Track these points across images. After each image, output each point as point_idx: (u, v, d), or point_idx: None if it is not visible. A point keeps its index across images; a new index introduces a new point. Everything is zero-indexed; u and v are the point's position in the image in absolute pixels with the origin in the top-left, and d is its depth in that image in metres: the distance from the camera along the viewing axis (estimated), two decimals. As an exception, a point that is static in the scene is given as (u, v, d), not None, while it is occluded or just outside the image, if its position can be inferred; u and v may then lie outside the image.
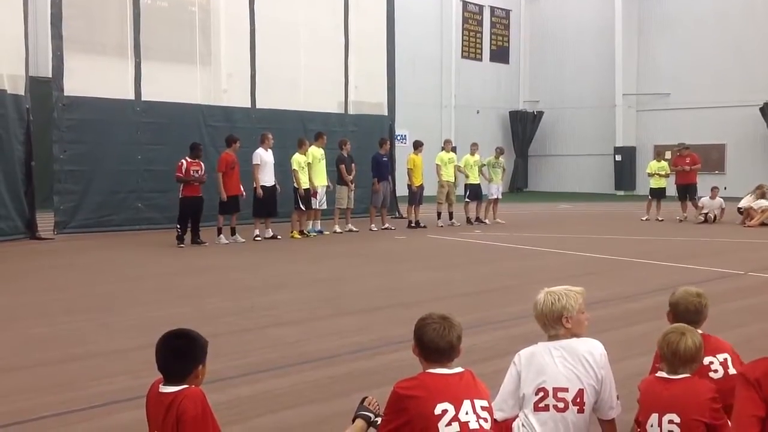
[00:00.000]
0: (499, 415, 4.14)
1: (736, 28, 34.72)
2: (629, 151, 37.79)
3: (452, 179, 21.00)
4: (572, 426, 4.22)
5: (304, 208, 18.03)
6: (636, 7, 37.77)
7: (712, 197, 22.19)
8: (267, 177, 17.46)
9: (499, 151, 22.76)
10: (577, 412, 4.23)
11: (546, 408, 4.20)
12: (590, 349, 4.34)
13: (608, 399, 4.35)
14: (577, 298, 4.36)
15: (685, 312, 4.65)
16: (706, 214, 21.84)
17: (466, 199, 21.64)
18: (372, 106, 24.13)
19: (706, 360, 4.42)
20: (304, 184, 17.92)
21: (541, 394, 4.21)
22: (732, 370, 4.42)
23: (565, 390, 4.21)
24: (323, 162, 18.65)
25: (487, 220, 21.63)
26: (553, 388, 4.21)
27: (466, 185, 21.68)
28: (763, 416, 3.77)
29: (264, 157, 17.46)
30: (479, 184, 21.75)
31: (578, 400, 4.23)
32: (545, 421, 4.19)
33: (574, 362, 4.27)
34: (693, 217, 22.13)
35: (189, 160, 16.32)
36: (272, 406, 5.94)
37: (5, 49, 16.95)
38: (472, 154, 21.88)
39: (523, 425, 4.23)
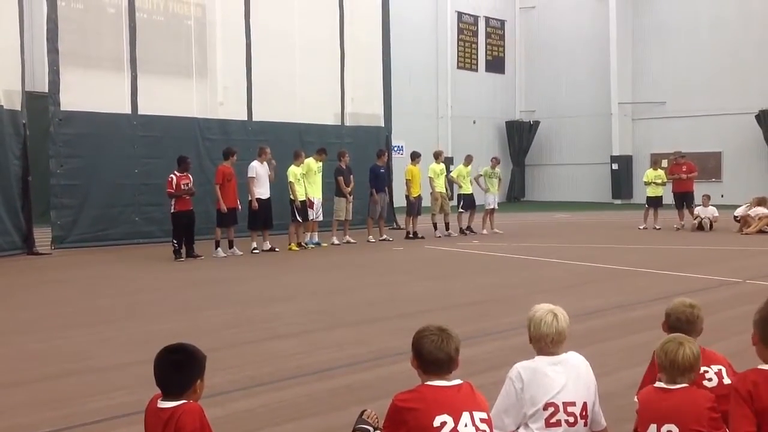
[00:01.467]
0: (496, 432, 4.13)
1: (731, 35, 34.82)
2: (626, 159, 37.83)
3: (444, 190, 20.97)
4: None
5: (300, 220, 18.02)
6: (630, 16, 37.88)
7: (704, 205, 22.24)
8: (262, 189, 17.46)
9: (495, 161, 22.76)
10: (583, 426, 4.30)
11: (558, 423, 4.21)
12: (580, 362, 4.42)
13: (599, 409, 4.45)
14: None
15: (677, 322, 4.68)
16: (701, 220, 21.86)
17: (460, 210, 21.62)
18: (368, 118, 24.17)
19: (701, 369, 4.42)
20: (301, 195, 17.90)
21: (551, 409, 4.22)
22: (726, 380, 4.44)
23: (573, 404, 4.25)
24: (319, 174, 18.64)
25: (484, 231, 21.62)
26: (563, 403, 4.23)
27: (459, 195, 21.67)
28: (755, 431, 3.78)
29: (259, 170, 17.46)
30: (472, 194, 21.75)
31: (584, 413, 4.29)
32: None
33: (575, 376, 4.32)
34: (690, 225, 22.15)
35: (178, 174, 16.28)
36: (271, 419, 5.92)
37: (1, 63, 16.96)
38: (466, 165, 21.88)
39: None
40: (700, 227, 21.74)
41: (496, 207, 22.22)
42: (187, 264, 15.74)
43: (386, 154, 21.21)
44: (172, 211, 16.28)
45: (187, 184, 16.31)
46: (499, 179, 22.65)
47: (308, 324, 9.50)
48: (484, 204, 22.02)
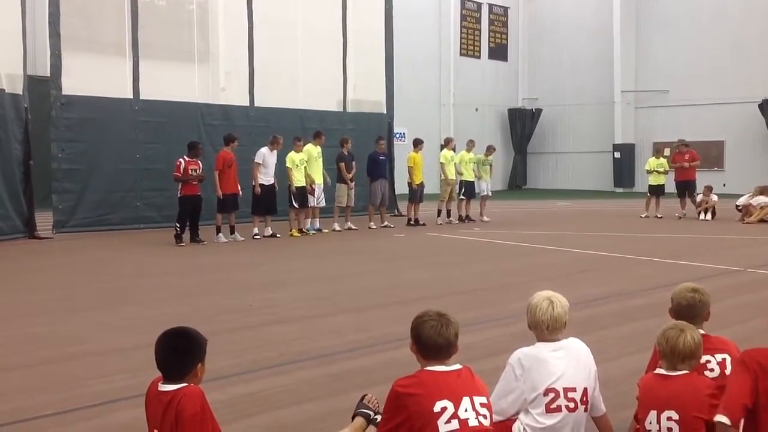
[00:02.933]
0: (495, 418, 4.14)
1: (734, 23, 34.72)
2: (628, 148, 37.77)
3: (454, 177, 20.99)
4: (581, 425, 4.32)
5: (297, 206, 17.99)
6: (634, 4, 37.75)
7: (705, 195, 22.21)
8: (267, 177, 17.48)
9: (492, 149, 22.64)
10: (584, 411, 4.32)
11: (558, 409, 4.24)
12: (580, 348, 4.44)
13: (599, 394, 4.47)
14: None
15: (678, 306, 4.69)
16: (706, 206, 21.86)
17: (462, 197, 21.58)
18: (370, 105, 24.13)
19: (703, 359, 4.41)
20: (297, 182, 17.86)
21: (552, 395, 4.24)
22: (729, 371, 4.39)
23: (574, 390, 4.27)
24: (320, 160, 18.63)
25: (484, 218, 21.60)
26: (564, 389, 4.25)
27: (461, 182, 21.64)
28: (749, 406, 3.77)
29: (267, 157, 17.49)
30: (473, 182, 21.70)
31: (584, 399, 4.31)
32: (558, 422, 4.23)
33: (575, 362, 4.33)
34: (693, 213, 22.11)
35: (187, 159, 16.31)
36: (271, 404, 5.94)
37: (3, 48, 16.93)
38: (468, 150, 21.83)
39: (525, 428, 4.25)
40: (706, 216, 21.72)
41: (490, 194, 22.19)
42: (189, 249, 15.75)
43: (383, 140, 20.93)
44: (179, 195, 16.30)
45: (196, 170, 16.32)
46: (490, 166, 22.51)
47: (309, 309, 9.51)
48: (477, 191, 21.96)
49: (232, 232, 16.95)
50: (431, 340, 3.88)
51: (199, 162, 16.52)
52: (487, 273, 12.63)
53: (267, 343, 7.80)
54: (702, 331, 4.52)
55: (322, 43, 22.67)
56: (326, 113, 22.67)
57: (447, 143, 21.46)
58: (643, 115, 37.94)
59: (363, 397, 4.58)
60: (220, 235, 16.77)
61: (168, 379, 3.76)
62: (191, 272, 12.79)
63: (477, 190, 22.00)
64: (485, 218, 21.70)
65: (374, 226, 19.68)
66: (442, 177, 20.79)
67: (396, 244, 17.05)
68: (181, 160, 16.26)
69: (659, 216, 22.36)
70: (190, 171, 16.23)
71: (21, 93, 17.28)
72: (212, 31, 21.39)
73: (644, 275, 12.05)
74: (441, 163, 20.87)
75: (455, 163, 21.29)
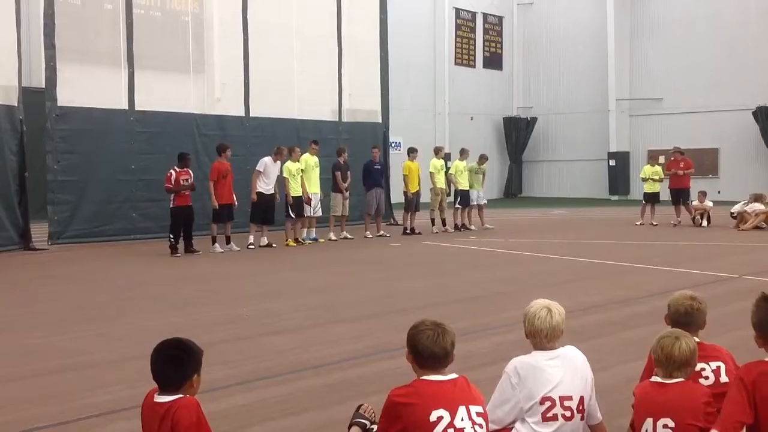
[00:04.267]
0: (492, 427, 4.14)
1: (728, 32, 34.84)
2: (623, 155, 37.85)
3: (444, 186, 20.97)
4: None
5: (293, 216, 17.99)
6: (628, 12, 37.88)
7: (701, 201, 22.28)
8: (268, 187, 17.50)
9: (484, 158, 22.60)
10: (580, 420, 4.31)
11: (554, 418, 4.23)
12: (577, 355, 4.43)
13: (595, 402, 4.46)
14: None
15: (675, 313, 4.68)
16: (701, 213, 21.94)
17: (457, 206, 21.54)
18: (366, 114, 24.16)
19: (698, 366, 4.42)
20: (293, 191, 17.86)
21: (548, 404, 4.23)
22: (724, 379, 4.41)
23: (570, 398, 4.26)
24: (317, 170, 18.63)
25: (472, 226, 21.50)
26: (560, 397, 4.24)
27: (456, 191, 21.61)
28: (747, 421, 3.76)
29: (269, 166, 17.51)
30: (468, 190, 21.62)
31: (581, 407, 4.30)
32: (554, 431, 4.22)
33: (572, 370, 4.33)
34: (688, 221, 22.15)
35: (177, 170, 16.27)
36: (268, 414, 5.93)
37: (-2, 59, 16.96)
38: (462, 159, 21.80)
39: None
40: (701, 223, 21.78)
41: (484, 203, 22.19)
42: (184, 260, 15.74)
43: (376, 149, 20.72)
44: (170, 206, 16.29)
45: (187, 180, 16.30)
46: (483, 175, 22.51)
47: (305, 319, 9.51)
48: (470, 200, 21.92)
49: (228, 242, 16.93)
50: (428, 349, 3.89)
51: (190, 171, 16.50)
52: (483, 281, 12.63)
53: (263, 353, 7.80)
54: (697, 339, 4.53)
55: (317, 52, 22.70)
56: (322, 123, 22.68)
57: (437, 152, 21.45)
58: (638, 123, 38.02)
59: (359, 407, 4.58)
60: (216, 245, 16.75)
61: (164, 390, 3.76)
62: (187, 283, 12.78)
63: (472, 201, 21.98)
64: (488, 226, 21.58)
65: (370, 236, 19.68)
66: (431, 186, 20.79)
67: (392, 253, 17.04)
68: (171, 171, 16.22)
69: (654, 223, 22.41)
70: (181, 181, 16.22)
71: (16, 105, 17.27)
72: (207, 41, 21.39)
73: (640, 282, 12.06)
74: (431, 173, 20.85)
75: (451, 173, 21.30)
